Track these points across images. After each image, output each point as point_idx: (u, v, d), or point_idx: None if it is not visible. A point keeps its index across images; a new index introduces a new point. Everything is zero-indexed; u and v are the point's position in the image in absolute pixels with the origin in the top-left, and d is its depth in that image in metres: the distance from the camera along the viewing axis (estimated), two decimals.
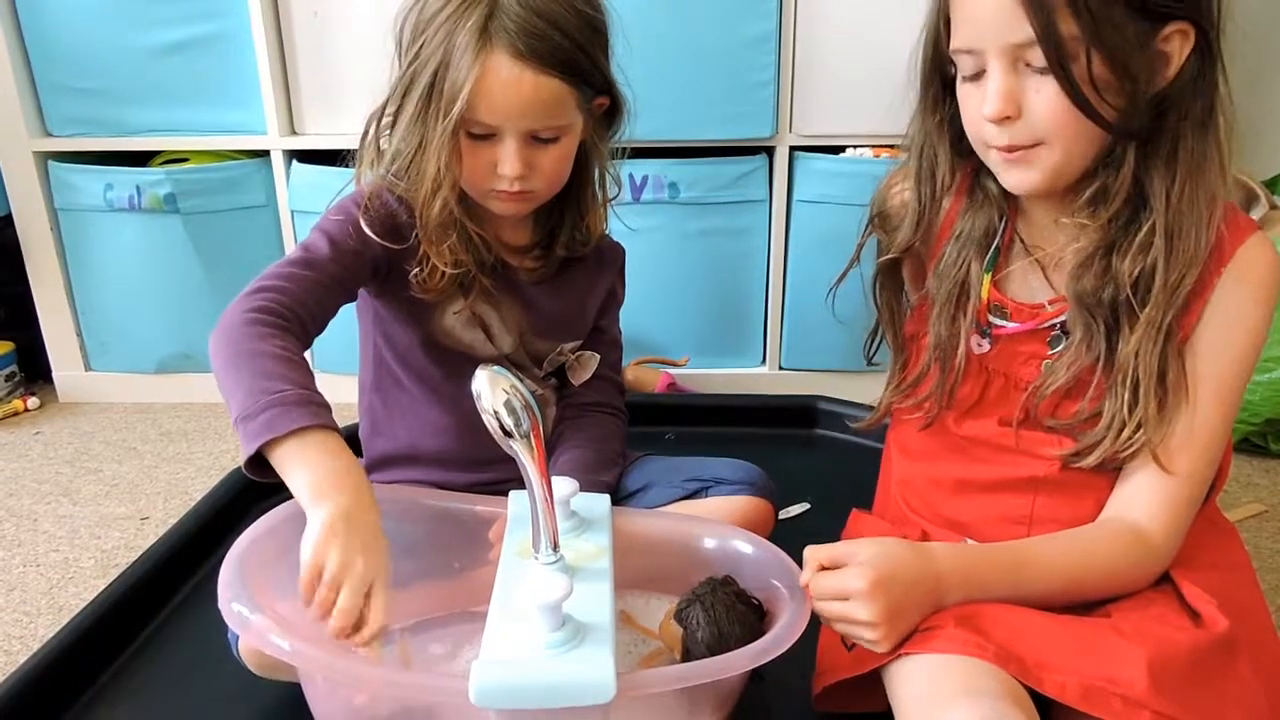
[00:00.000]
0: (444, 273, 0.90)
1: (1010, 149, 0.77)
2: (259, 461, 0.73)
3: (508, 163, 0.87)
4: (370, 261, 0.91)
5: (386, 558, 0.72)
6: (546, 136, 0.88)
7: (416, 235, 0.90)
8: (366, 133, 0.92)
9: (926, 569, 0.75)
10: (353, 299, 0.94)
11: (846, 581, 0.73)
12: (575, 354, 1.04)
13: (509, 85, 0.84)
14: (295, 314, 0.82)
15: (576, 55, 0.86)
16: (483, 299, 0.96)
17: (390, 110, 0.89)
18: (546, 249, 0.99)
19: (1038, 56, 0.72)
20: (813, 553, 0.76)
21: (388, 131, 0.90)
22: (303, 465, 0.72)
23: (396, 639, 0.81)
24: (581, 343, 1.05)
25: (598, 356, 1.05)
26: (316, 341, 1.73)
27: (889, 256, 0.90)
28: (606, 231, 1.05)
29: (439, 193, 0.86)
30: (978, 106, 0.77)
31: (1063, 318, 0.82)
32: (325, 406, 0.76)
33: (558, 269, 1.00)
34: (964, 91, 0.79)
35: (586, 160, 0.96)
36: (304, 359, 0.80)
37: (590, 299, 1.05)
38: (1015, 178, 0.79)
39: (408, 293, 0.92)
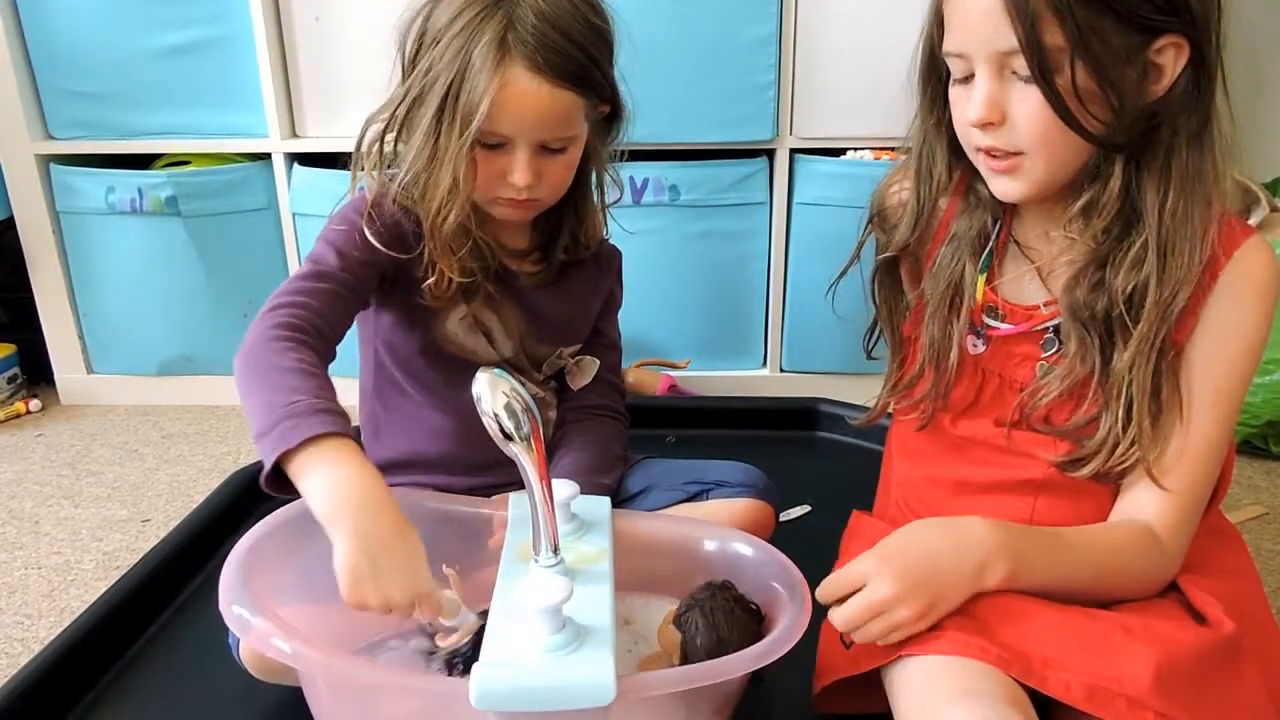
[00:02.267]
0: (452, 280, 0.90)
1: (992, 153, 0.77)
2: (281, 477, 0.73)
3: (519, 173, 0.87)
4: (378, 270, 0.91)
5: (420, 555, 0.71)
6: (556, 147, 0.88)
7: (422, 244, 0.90)
8: (363, 138, 0.92)
9: (954, 536, 0.74)
10: (365, 306, 0.94)
11: (856, 571, 0.72)
12: (575, 359, 1.05)
13: (526, 98, 0.84)
14: (314, 326, 0.82)
15: (589, 67, 0.87)
16: (485, 304, 0.96)
17: (398, 117, 0.89)
18: (546, 253, 1.00)
19: (1023, 65, 0.72)
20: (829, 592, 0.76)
21: (390, 137, 0.90)
22: (315, 475, 0.71)
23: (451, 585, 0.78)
24: (580, 347, 1.05)
25: (597, 362, 1.05)
26: None
27: (886, 255, 0.90)
28: (606, 235, 1.06)
29: (452, 204, 0.86)
30: (965, 110, 0.77)
31: (1056, 320, 0.81)
32: (341, 414, 0.75)
33: (558, 273, 1.00)
34: (955, 94, 0.79)
35: (586, 165, 0.97)
36: (322, 370, 0.79)
37: (590, 303, 1.05)
38: (1000, 186, 0.79)
39: (412, 300, 0.93)
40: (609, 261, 1.07)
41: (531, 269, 0.99)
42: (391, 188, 0.91)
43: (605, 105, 0.93)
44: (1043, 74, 0.71)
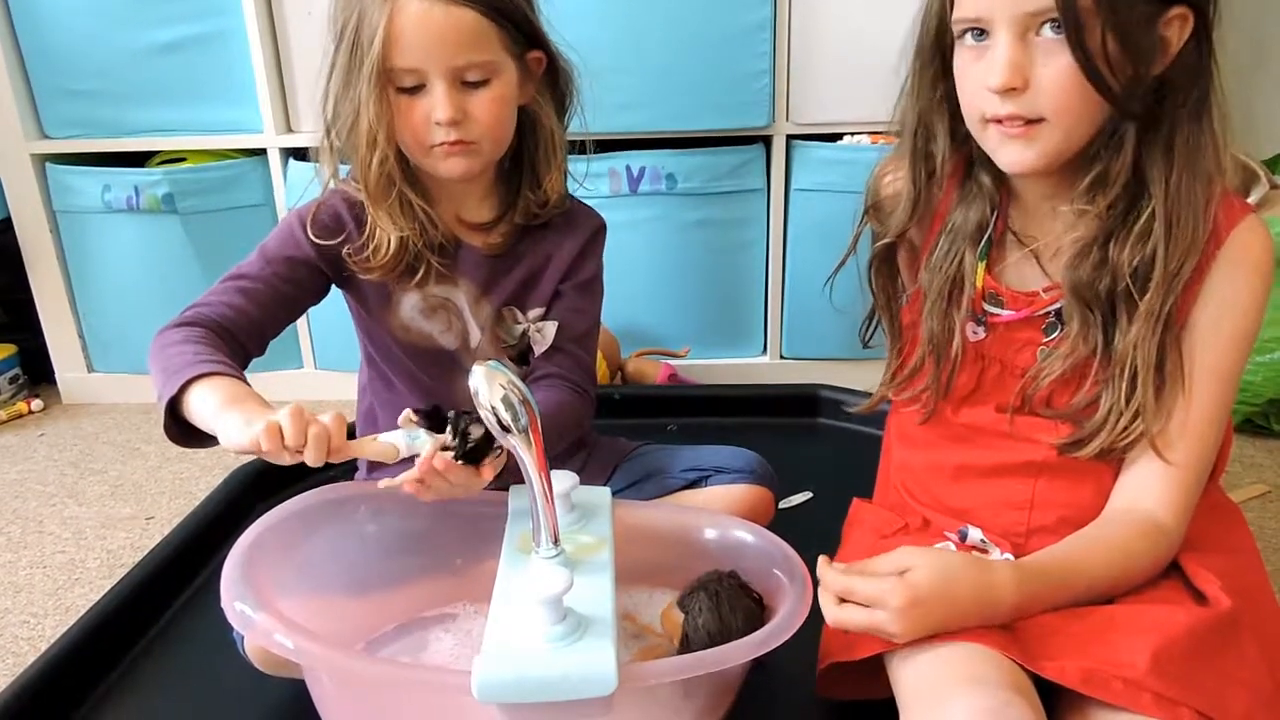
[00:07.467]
0: (389, 244, 0.90)
1: (1011, 120, 0.75)
2: (186, 429, 0.80)
3: (439, 107, 0.87)
4: (315, 263, 0.93)
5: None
6: (474, 79, 0.88)
7: (365, 223, 0.91)
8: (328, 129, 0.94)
9: (983, 591, 0.72)
10: (310, 296, 0.96)
11: (874, 594, 0.72)
12: (537, 325, 1.00)
13: (420, 20, 0.85)
14: (207, 317, 0.87)
15: None
16: (438, 283, 0.95)
17: (329, 89, 0.91)
18: (511, 223, 0.98)
19: (1049, 27, 0.71)
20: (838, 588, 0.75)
21: (330, 110, 0.92)
22: (199, 403, 0.78)
23: None
24: (544, 312, 1.00)
25: (555, 323, 1.00)
26: (317, 341, 1.72)
27: (884, 242, 0.89)
28: (567, 192, 1.01)
29: (375, 149, 0.88)
30: (980, 78, 0.75)
31: (1058, 305, 0.81)
32: (216, 360, 0.80)
33: (518, 236, 0.98)
34: (964, 63, 0.78)
35: (535, 124, 0.96)
36: (205, 339, 0.85)
37: (551, 258, 1.00)
38: (1012, 155, 0.77)
39: (367, 283, 0.94)
40: (585, 222, 1.02)
41: (496, 240, 0.98)
42: (333, 177, 0.94)
43: (537, 52, 0.93)
44: (1077, 35, 0.70)
